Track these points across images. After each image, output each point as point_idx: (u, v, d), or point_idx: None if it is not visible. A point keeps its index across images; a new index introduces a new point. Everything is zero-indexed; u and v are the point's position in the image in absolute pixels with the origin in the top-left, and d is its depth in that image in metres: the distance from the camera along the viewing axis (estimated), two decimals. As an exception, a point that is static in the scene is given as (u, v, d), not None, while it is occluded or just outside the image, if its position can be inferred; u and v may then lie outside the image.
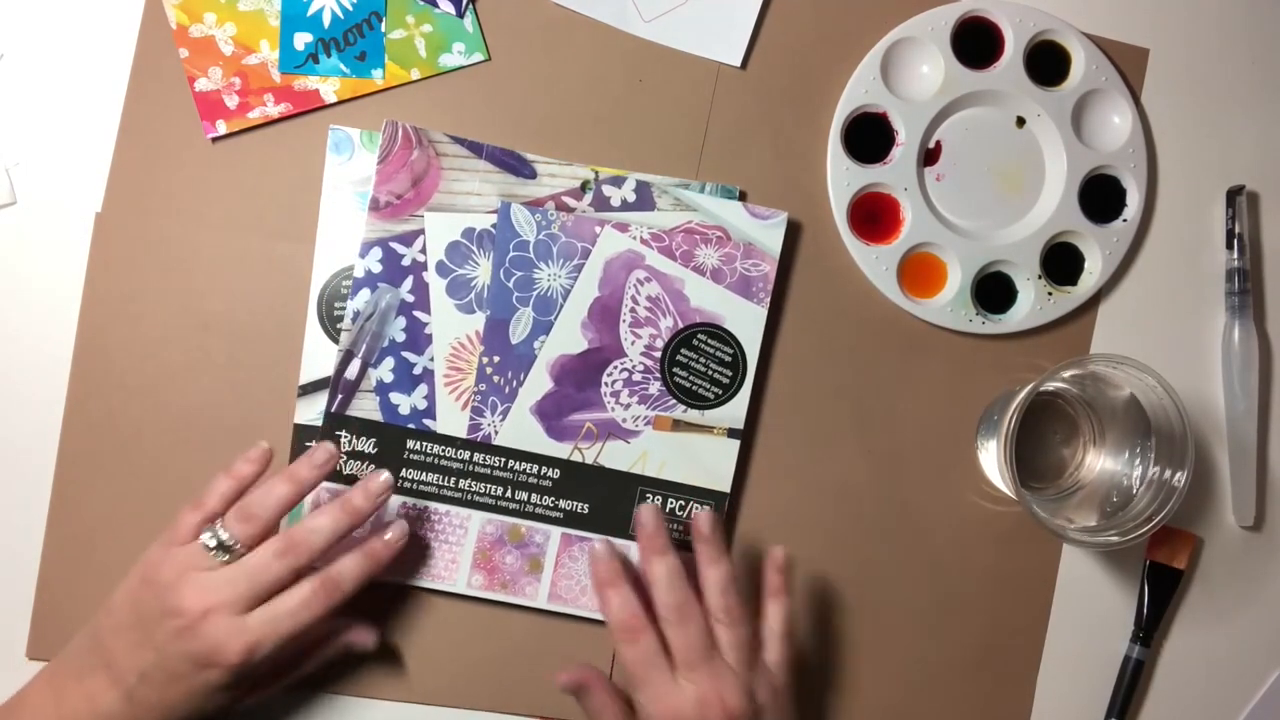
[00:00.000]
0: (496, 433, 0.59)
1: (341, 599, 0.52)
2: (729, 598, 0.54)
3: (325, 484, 0.58)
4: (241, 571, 0.51)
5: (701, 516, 0.55)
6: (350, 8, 0.60)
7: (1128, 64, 0.65)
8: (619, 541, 0.60)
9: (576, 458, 0.60)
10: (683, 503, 0.60)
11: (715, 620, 0.54)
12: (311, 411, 0.59)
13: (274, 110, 0.60)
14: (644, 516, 0.55)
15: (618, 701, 0.56)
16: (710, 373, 0.61)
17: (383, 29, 0.61)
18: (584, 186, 0.61)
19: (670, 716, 0.52)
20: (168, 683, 0.50)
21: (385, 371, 0.59)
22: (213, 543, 0.51)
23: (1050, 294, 0.64)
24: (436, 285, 0.59)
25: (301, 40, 0.60)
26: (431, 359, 0.59)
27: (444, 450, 0.59)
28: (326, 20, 0.60)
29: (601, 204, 0.61)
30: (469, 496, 0.59)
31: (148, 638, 0.50)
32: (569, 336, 0.60)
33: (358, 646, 0.56)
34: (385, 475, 0.54)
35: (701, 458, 0.60)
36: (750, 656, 0.54)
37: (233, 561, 0.51)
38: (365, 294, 0.59)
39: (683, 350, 0.60)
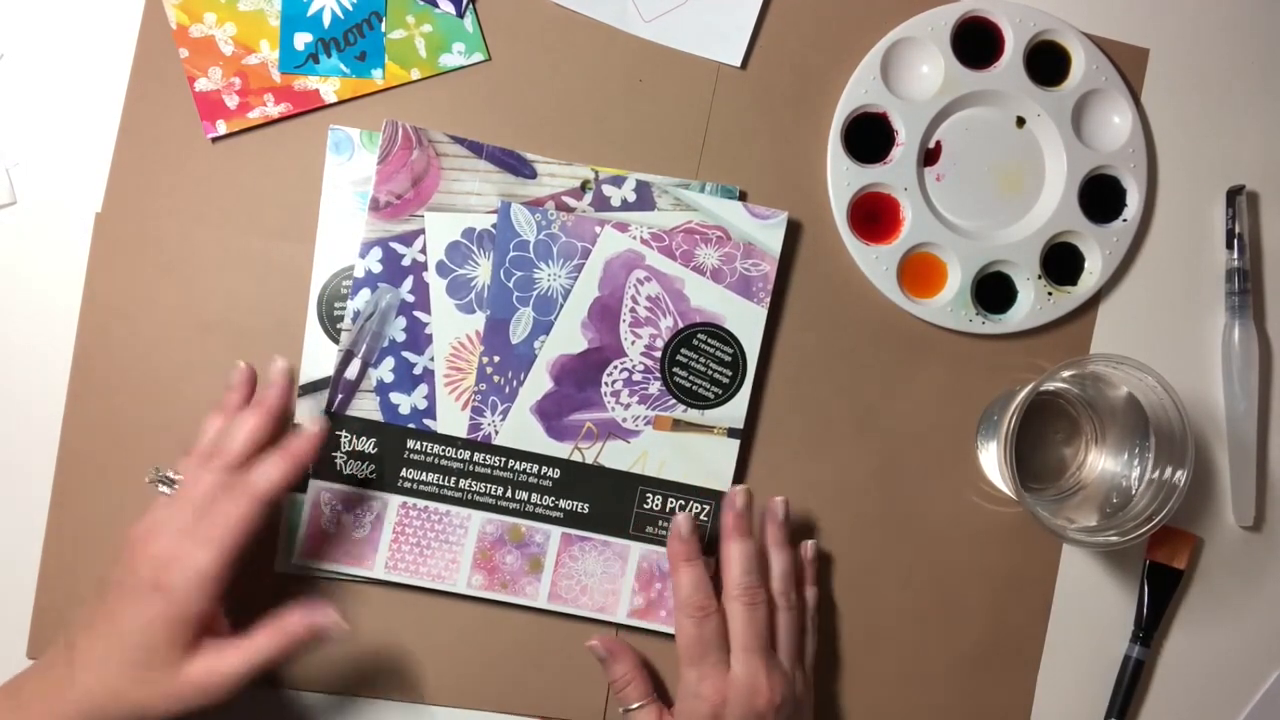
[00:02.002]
0: (496, 433, 0.59)
1: (258, 500, 0.51)
2: (788, 582, 0.57)
3: (328, 484, 0.58)
4: (180, 495, 0.51)
5: (779, 501, 0.59)
6: (350, 8, 0.60)
7: (1128, 64, 0.65)
8: (617, 541, 0.60)
9: (576, 457, 0.60)
10: (683, 502, 0.60)
11: (777, 605, 0.57)
12: (311, 411, 0.59)
13: (274, 110, 0.60)
14: (736, 497, 0.58)
15: (644, 677, 0.58)
16: (710, 372, 0.61)
17: (383, 29, 0.61)
18: (584, 186, 0.61)
19: (718, 696, 0.54)
20: (106, 625, 0.49)
21: (385, 371, 0.59)
22: (155, 477, 0.52)
23: (1050, 294, 0.64)
24: (436, 285, 0.60)
25: (301, 40, 0.60)
26: (431, 359, 0.59)
27: (444, 450, 0.59)
28: (326, 20, 0.60)
29: (601, 204, 0.61)
30: (469, 496, 0.59)
31: (105, 588, 0.50)
32: (569, 336, 0.60)
33: (321, 628, 0.51)
34: (281, 361, 0.54)
35: (701, 457, 0.60)
36: (797, 647, 0.57)
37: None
38: (365, 294, 0.59)
39: (683, 350, 0.60)
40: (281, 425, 0.54)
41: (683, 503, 0.60)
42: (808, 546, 0.60)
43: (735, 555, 0.56)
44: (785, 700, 0.54)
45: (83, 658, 0.49)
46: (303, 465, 0.53)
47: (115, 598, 0.49)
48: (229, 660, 0.50)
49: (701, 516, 0.60)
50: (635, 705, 0.57)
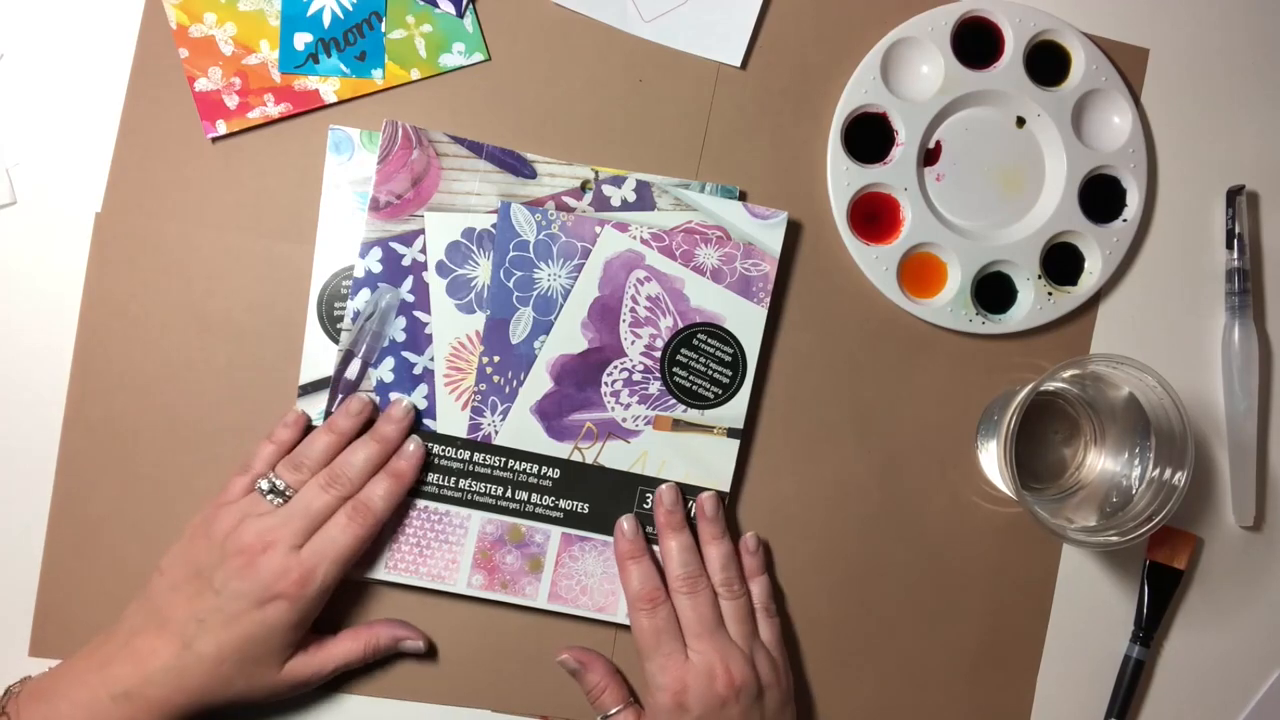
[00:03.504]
0: (496, 432, 0.59)
1: (375, 520, 0.56)
2: (729, 572, 0.59)
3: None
4: (294, 508, 0.55)
5: (706, 498, 0.60)
6: (350, 8, 0.60)
7: (1128, 64, 0.65)
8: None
9: (576, 457, 0.60)
10: (683, 502, 0.60)
11: (719, 595, 0.58)
12: (311, 411, 0.59)
13: (274, 110, 0.60)
14: (664, 495, 0.60)
15: (618, 683, 0.59)
16: (710, 372, 0.61)
17: (383, 29, 0.61)
18: (584, 186, 0.61)
19: (678, 684, 0.55)
20: (226, 625, 0.52)
21: (385, 371, 0.59)
22: (267, 487, 0.55)
23: (1050, 294, 0.64)
24: (436, 285, 0.60)
25: (301, 40, 0.60)
26: (431, 359, 0.59)
27: (444, 450, 0.59)
28: (326, 20, 0.60)
29: (601, 204, 0.61)
30: (469, 496, 0.59)
31: (207, 585, 0.53)
32: (569, 336, 0.60)
33: (408, 646, 0.58)
34: (406, 401, 0.58)
35: (701, 457, 0.60)
36: (750, 630, 0.58)
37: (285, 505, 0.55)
38: (365, 294, 0.59)
39: (683, 350, 0.60)
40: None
41: (684, 502, 0.60)
42: (748, 539, 0.61)
43: (671, 549, 0.58)
44: (746, 681, 0.56)
45: (198, 650, 0.52)
46: (408, 487, 0.58)
47: (232, 600, 0.53)
48: (321, 660, 0.56)
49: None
50: (613, 711, 0.58)
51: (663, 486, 0.60)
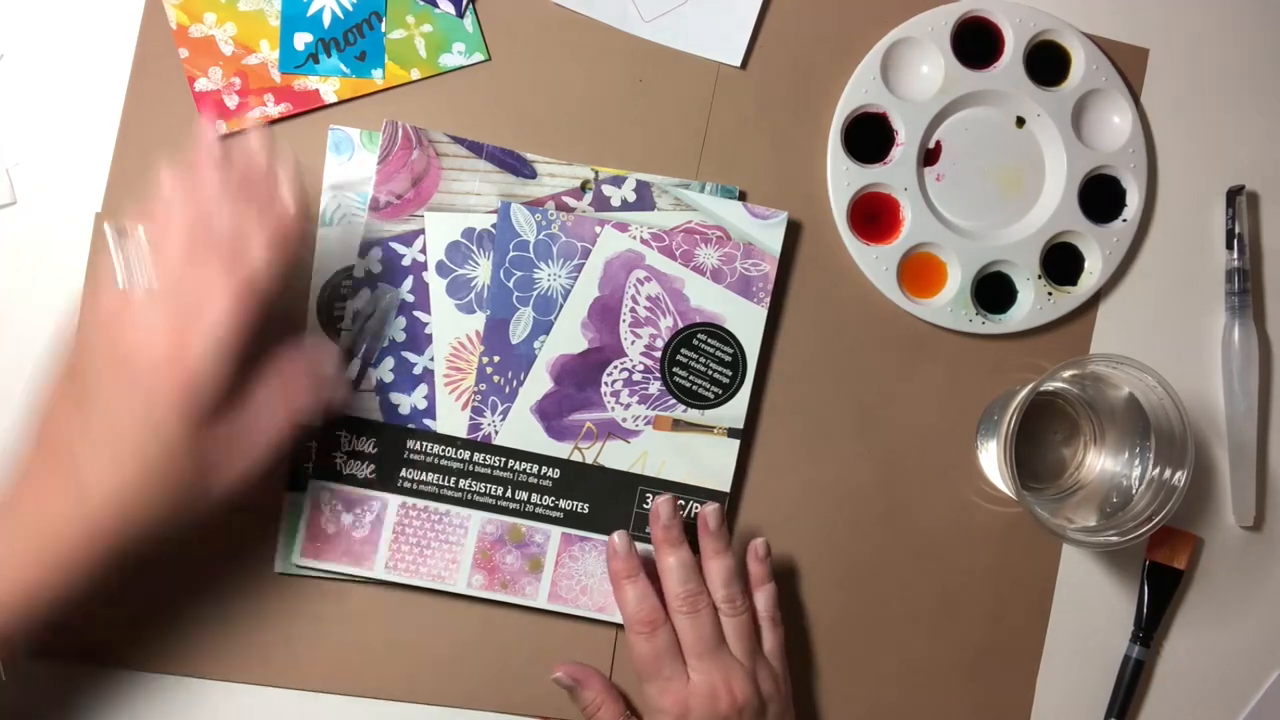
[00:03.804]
0: (496, 433, 0.59)
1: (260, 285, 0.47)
2: (732, 588, 0.56)
3: (328, 484, 0.58)
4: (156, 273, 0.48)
5: (708, 511, 0.58)
6: (350, 8, 0.60)
7: (1128, 64, 0.65)
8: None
9: (576, 458, 0.60)
10: (683, 502, 0.60)
11: (720, 612, 0.56)
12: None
13: (274, 110, 0.60)
14: (660, 509, 0.57)
15: (614, 697, 0.58)
16: (710, 372, 0.61)
17: (383, 29, 0.61)
18: (584, 186, 0.61)
19: (680, 707, 0.54)
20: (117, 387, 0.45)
21: (385, 371, 0.59)
22: (114, 230, 0.48)
23: (1050, 294, 0.64)
24: (436, 285, 0.60)
25: (301, 40, 0.60)
26: (431, 359, 0.59)
27: (444, 450, 0.59)
28: (326, 20, 0.60)
29: (601, 204, 0.61)
30: (469, 496, 0.59)
31: (77, 389, 0.46)
32: (569, 336, 0.60)
33: (326, 381, 0.51)
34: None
35: (701, 457, 0.60)
36: (752, 645, 0.56)
37: None
38: (365, 294, 0.59)
39: (683, 350, 0.60)
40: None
41: (684, 503, 0.60)
42: (758, 545, 0.59)
43: (669, 567, 0.56)
44: (748, 699, 0.54)
45: (87, 467, 0.45)
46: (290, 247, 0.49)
47: (104, 391, 0.45)
48: (249, 442, 0.48)
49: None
50: None
51: (659, 500, 0.58)
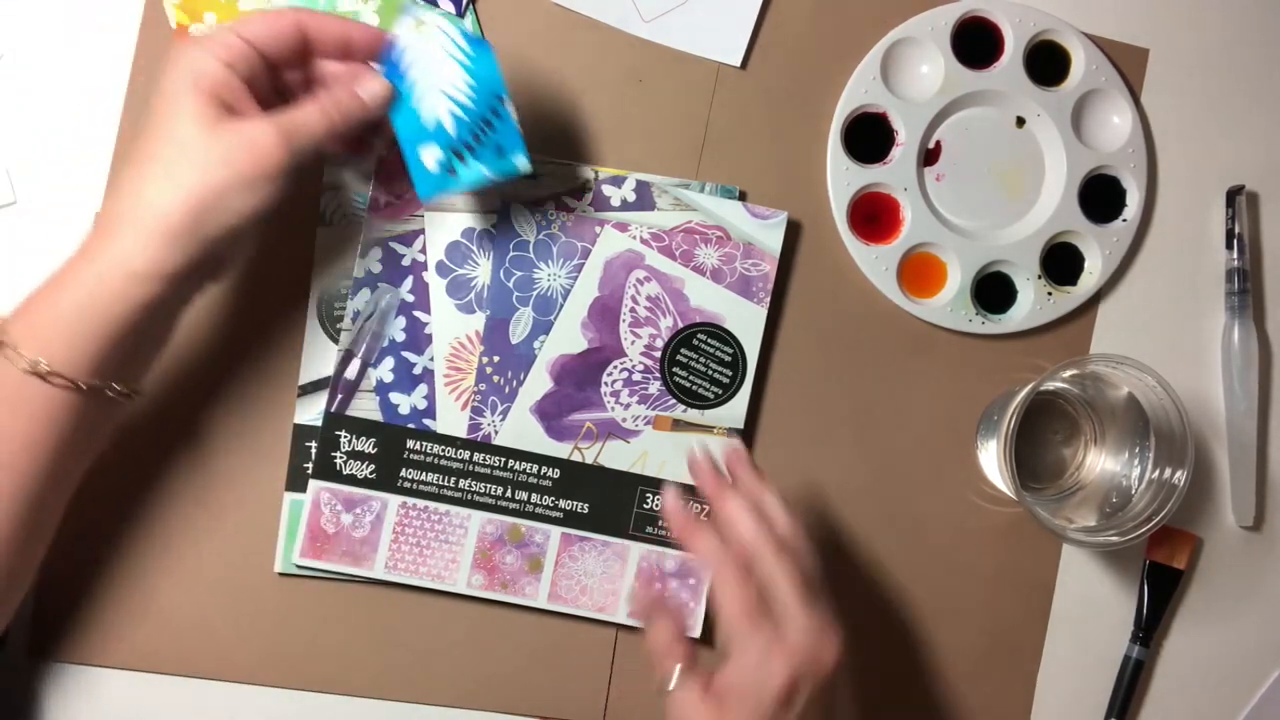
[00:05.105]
0: (496, 433, 0.59)
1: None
2: (790, 525, 0.51)
3: (328, 484, 0.58)
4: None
5: (733, 450, 0.56)
6: (470, 104, 0.60)
7: (1128, 64, 0.65)
8: (617, 541, 0.60)
9: (576, 458, 0.60)
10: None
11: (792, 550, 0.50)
12: (311, 411, 0.59)
13: (274, 110, 0.60)
14: (698, 462, 0.54)
15: (686, 640, 0.51)
16: (710, 372, 0.61)
17: (512, 115, 0.60)
18: (584, 186, 0.61)
19: (791, 674, 0.47)
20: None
21: (385, 371, 0.59)
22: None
23: (1050, 294, 0.64)
24: (436, 285, 0.60)
25: (431, 157, 0.59)
26: (431, 359, 0.59)
27: (444, 450, 0.59)
28: (450, 125, 0.60)
29: (601, 204, 0.61)
30: (469, 496, 0.59)
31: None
32: (569, 336, 0.60)
33: (369, 92, 0.52)
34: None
35: (701, 458, 0.61)
36: (822, 582, 0.50)
37: None
38: (365, 294, 0.59)
39: (683, 350, 0.60)
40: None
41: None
42: (739, 454, 0.55)
43: (736, 513, 0.50)
44: (842, 651, 0.48)
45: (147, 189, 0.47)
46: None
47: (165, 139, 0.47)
48: (280, 127, 0.49)
49: (703, 518, 0.60)
50: (677, 677, 0.49)
51: (693, 449, 0.55)
